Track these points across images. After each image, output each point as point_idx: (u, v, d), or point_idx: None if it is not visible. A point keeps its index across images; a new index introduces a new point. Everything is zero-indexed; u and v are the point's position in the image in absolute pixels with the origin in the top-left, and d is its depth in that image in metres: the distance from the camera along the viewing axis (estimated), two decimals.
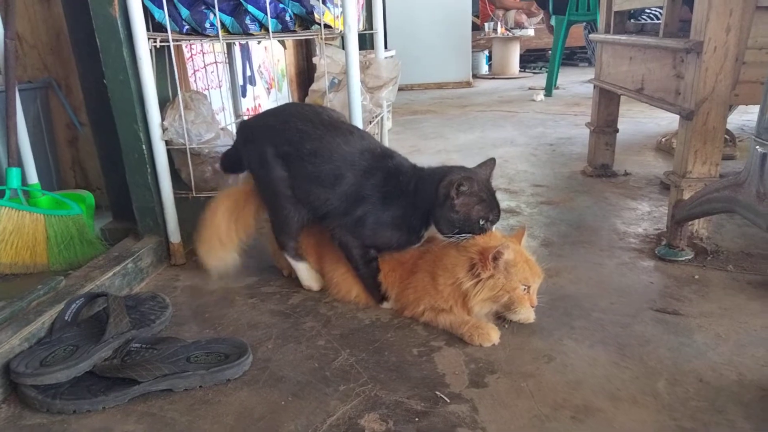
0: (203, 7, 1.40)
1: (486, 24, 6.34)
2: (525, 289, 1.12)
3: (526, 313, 1.13)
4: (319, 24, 1.40)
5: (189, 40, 1.46)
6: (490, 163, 1.24)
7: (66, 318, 1.13)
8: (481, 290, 1.10)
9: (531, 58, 7.16)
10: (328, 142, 1.22)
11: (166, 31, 1.39)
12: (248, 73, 2.78)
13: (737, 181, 1.14)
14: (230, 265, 1.35)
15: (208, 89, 2.19)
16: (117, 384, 0.98)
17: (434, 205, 1.15)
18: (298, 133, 1.24)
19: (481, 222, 1.15)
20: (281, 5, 1.40)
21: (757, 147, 1.07)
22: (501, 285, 1.10)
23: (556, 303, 1.25)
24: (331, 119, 1.28)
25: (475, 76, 5.97)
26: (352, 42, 1.38)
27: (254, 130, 1.33)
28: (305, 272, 1.35)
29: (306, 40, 3.66)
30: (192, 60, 2.11)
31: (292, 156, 1.23)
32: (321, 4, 1.40)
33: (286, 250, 1.33)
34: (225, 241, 1.32)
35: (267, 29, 1.40)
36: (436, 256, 1.19)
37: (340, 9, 1.40)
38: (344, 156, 1.21)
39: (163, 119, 1.44)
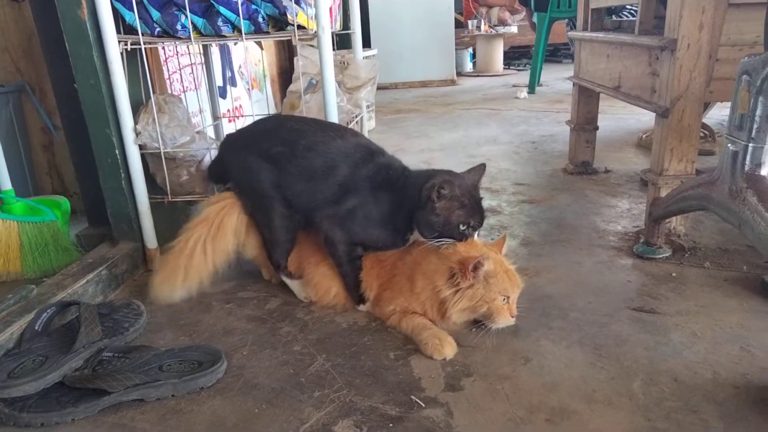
0: (174, 9, 1.37)
1: (470, 21, 6.34)
2: (504, 299, 1.11)
3: (505, 323, 1.11)
4: (293, 25, 1.38)
5: (161, 43, 1.44)
6: (480, 168, 1.23)
7: (36, 328, 1.11)
8: (460, 300, 1.09)
9: (515, 55, 7.18)
10: (322, 137, 1.23)
11: (137, 34, 1.37)
12: (228, 74, 2.75)
13: (711, 179, 1.15)
14: (181, 297, 1.27)
15: (185, 92, 2.16)
16: (87, 395, 0.96)
17: (417, 207, 1.15)
18: (292, 132, 1.25)
19: (462, 227, 1.14)
20: (253, 6, 1.38)
21: (729, 145, 1.07)
22: (480, 296, 1.09)
23: (535, 303, 1.25)
24: (324, 121, 1.32)
25: (459, 73, 5.97)
26: (326, 43, 1.36)
27: (243, 140, 1.32)
28: (300, 287, 1.33)
29: (288, 41, 3.63)
30: (167, 62, 2.08)
31: (286, 155, 1.22)
32: (294, 5, 1.38)
33: (281, 270, 1.32)
34: (190, 275, 1.25)
35: (240, 31, 1.38)
36: (415, 260, 1.19)
37: (314, 10, 1.39)
38: (339, 149, 1.22)
39: (136, 123, 1.42)
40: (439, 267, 1.14)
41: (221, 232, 1.28)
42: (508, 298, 1.11)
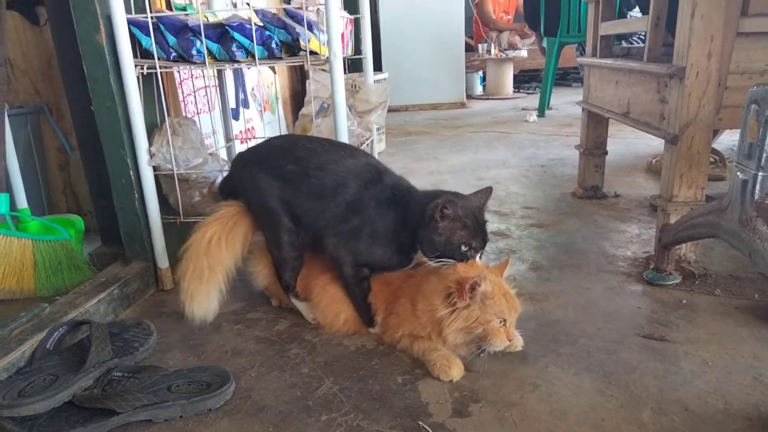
0: (190, 35, 1.41)
1: (480, 45, 6.40)
2: (501, 322, 1.10)
3: (501, 345, 1.10)
4: (305, 51, 1.41)
5: (176, 68, 1.47)
6: (486, 191, 1.24)
7: (48, 346, 1.12)
8: (456, 320, 1.09)
9: (525, 79, 7.22)
10: (334, 156, 1.25)
11: (154, 58, 1.40)
12: (241, 96, 2.79)
13: (720, 207, 1.15)
14: (213, 311, 1.28)
15: (199, 113, 2.20)
16: (96, 415, 0.97)
17: (420, 226, 1.16)
18: (305, 151, 1.27)
19: (464, 248, 1.15)
20: (267, 33, 1.41)
21: (739, 173, 1.07)
22: (476, 316, 1.09)
23: (543, 329, 1.25)
24: (337, 141, 1.35)
25: (469, 96, 6.01)
26: (338, 68, 1.39)
27: (255, 157, 1.33)
28: (309, 309, 1.33)
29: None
30: (182, 85, 2.12)
31: (298, 173, 1.24)
32: (307, 31, 1.41)
33: (291, 291, 1.32)
34: (209, 277, 1.26)
35: (253, 56, 1.41)
36: (418, 282, 1.19)
37: (327, 36, 1.42)
38: (349, 168, 1.23)
39: (150, 145, 1.45)
40: (438, 286, 1.14)
41: (235, 230, 1.30)
42: (505, 321, 1.11)
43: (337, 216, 1.22)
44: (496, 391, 1.04)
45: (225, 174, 1.51)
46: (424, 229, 1.16)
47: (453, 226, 1.15)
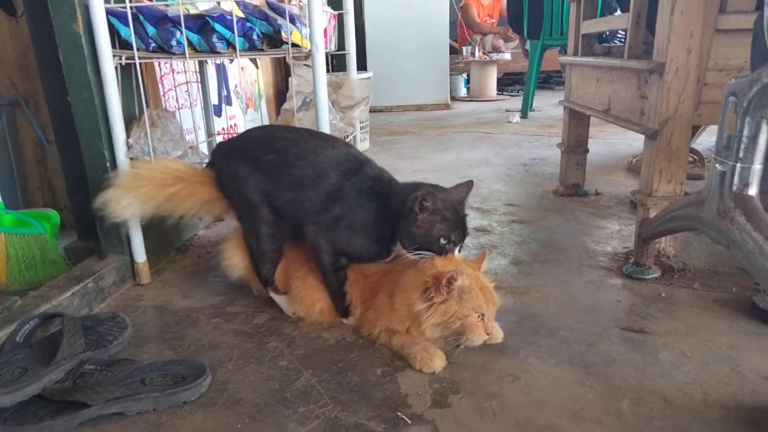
0: (170, 26, 1.39)
1: (464, 48, 6.43)
2: (479, 316, 1.09)
3: (479, 340, 1.09)
4: (287, 43, 1.40)
5: (155, 58, 1.44)
6: (467, 185, 1.24)
7: (17, 339, 1.09)
8: (433, 314, 1.08)
9: (508, 82, 7.27)
10: (314, 146, 1.23)
11: (132, 49, 1.38)
12: (224, 93, 2.77)
13: (699, 199, 1.15)
14: (124, 217, 1.30)
15: (180, 108, 2.17)
16: (66, 408, 0.94)
17: (400, 218, 1.16)
18: (284, 141, 1.25)
19: (442, 241, 1.14)
20: (248, 24, 1.39)
21: (717, 165, 1.08)
22: (453, 311, 1.08)
23: (524, 321, 1.24)
24: (317, 131, 1.34)
25: (453, 98, 6.03)
26: (320, 61, 1.38)
27: (234, 148, 1.31)
28: (287, 302, 1.31)
29: (284, 60, 3.67)
30: (163, 80, 2.09)
31: (277, 164, 1.23)
32: (289, 24, 1.40)
33: (270, 285, 1.31)
34: (146, 196, 1.27)
35: (234, 48, 1.40)
36: (396, 276, 1.18)
37: (309, 29, 1.40)
38: (329, 158, 1.22)
39: (128, 136, 1.42)
40: (415, 281, 1.13)
41: (197, 192, 1.30)
42: (483, 315, 1.10)
43: (317, 205, 1.20)
44: (475, 383, 1.03)
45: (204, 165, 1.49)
46: (404, 221, 1.16)
47: (432, 218, 1.14)
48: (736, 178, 1.04)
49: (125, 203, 1.27)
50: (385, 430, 0.91)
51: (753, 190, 1.04)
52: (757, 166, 1.02)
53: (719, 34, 1.35)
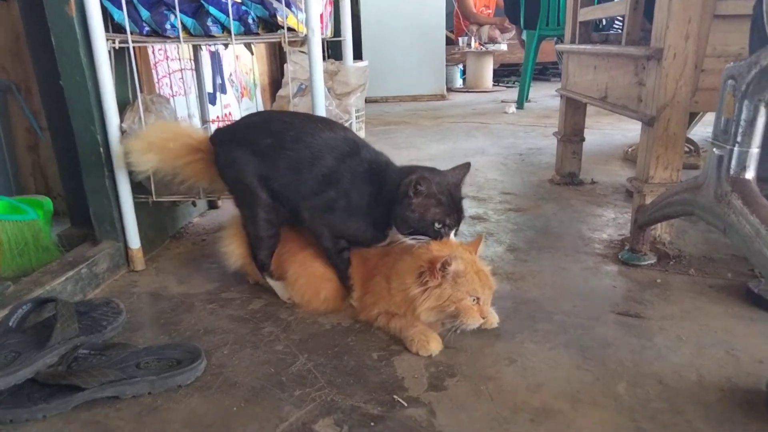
0: (164, 9, 1.37)
1: (460, 39, 6.40)
2: (474, 300, 1.09)
3: (475, 324, 1.09)
4: (283, 27, 1.38)
5: (149, 42, 1.43)
6: (464, 167, 1.22)
7: (10, 324, 1.08)
8: (428, 299, 1.08)
9: (504, 73, 7.25)
10: (311, 129, 1.22)
11: (126, 32, 1.36)
12: (218, 81, 2.75)
13: (696, 184, 1.15)
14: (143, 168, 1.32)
15: (174, 96, 2.15)
16: (60, 391, 0.94)
17: (395, 202, 1.15)
18: (282, 125, 1.24)
19: (437, 226, 1.13)
20: (244, 8, 1.38)
21: (714, 149, 1.08)
22: (447, 295, 1.07)
23: (520, 307, 1.24)
24: (314, 115, 1.33)
25: (449, 89, 6.02)
26: (316, 45, 1.36)
27: (231, 133, 1.31)
28: (283, 288, 1.31)
29: (279, 49, 3.64)
30: (157, 66, 2.07)
31: (274, 147, 1.22)
32: (284, 8, 1.38)
33: (266, 270, 1.30)
34: (161, 150, 1.31)
35: (229, 32, 1.38)
36: (392, 260, 1.18)
37: (305, 14, 1.39)
38: (326, 141, 1.21)
39: (122, 121, 1.41)
40: (411, 265, 1.13)
41: (196, 162, 1.32)
42: (478, 299, 1.10)
43: (313, 189, 1.20)
44: (472, 366, 1.03)
45: None
46: (398, 206, 1.14)
47: (427, 202, 1.13)
48: (733, 162, 1.03)
49: (148, 159, 1.31)
50: (381, 412, 0.90)
51: (750, 174, 1.03)
52: (755, 150, 1.01)
53: (717, 19, 1.35)
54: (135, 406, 0.94)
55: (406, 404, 0.92)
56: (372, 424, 0.88)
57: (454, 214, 1.16)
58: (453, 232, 1.17)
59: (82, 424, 0.90)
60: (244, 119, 1.37)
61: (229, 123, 1.40)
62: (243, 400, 0.95)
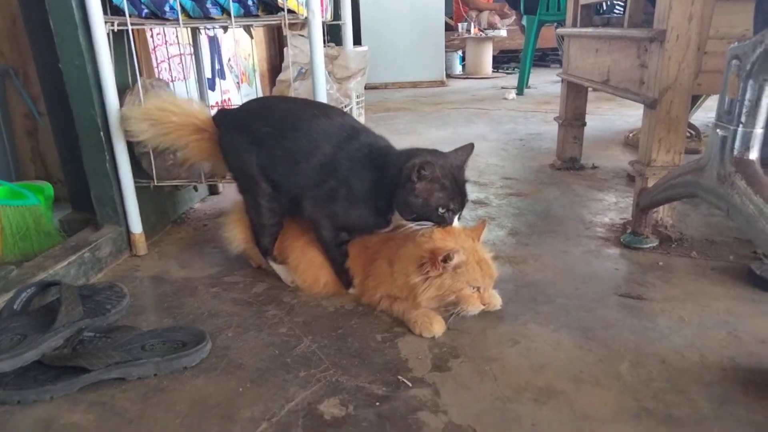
0: None
1: (460, 25, 6.36)
2: (475, 289, 1.09)
3: (475, 310, 1.09)
4: (283, 9, 1.37)
5: (148, 24, 1.42)
6: (467, 148, 1.18)
7: (15, 307, 1.08)
8: (428, 288, 1.08)
9: (504, 59, 7.21)
10: (307, 116, 1.21)
11: (125, 15, 1.35)
12: (217, 66, 2.73)
13: (699, 166, 1.15)
14: (140, 137, 1.33)
15: (173, 81, 2.14)
16: (66, 373, 0.94)
17: (397, 187, 1.12)
18: (279, 113, 1.23)
19: (441, 210, 1.11)
20: None
21: (718, 130, 1.08)
22: (447, 286, 1.07)
23: (522, 289, 1.25)
24: (312, 101, 1.31)
25: (448, 75, 5.99)
26: (316, 28, 1.35)
27: (234, 120, 1.30)
28: (286, 272, 1.31)
29: (278, 34, 3.62)
30: (156, 51, 2.06)
31: (272, 135, 1.21)
32: None
33: (269, 254, 1.30)
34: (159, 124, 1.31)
35: (229, 14, 1.37)
36: (396, 245, 1.18)
37: None
38: (323, 128, 1.19)
39: (121, 105, 1.40)
40: (413, 253, 1.12)
41: (200, 143, 1.32)
42: (479, 287, 1.10)
43: (312, 178, 1.18)
44: (475, 347, 1.04)
45: None
46: (401, 190, 1.11)
47: (431, 187, 1.10)
48: (737, 143, 1.03)
49: (143, 128, 1.31)
50: (386, 392, 0.91)
51: (754, 155, 1.03)
52: (759, 130, 1.01)
53: (721, 1, 1.34)
54: (141, 387, 0.94)
55: (410, 384, 0.93)
56: (377, 403, 0.88)
57: (458, 198, 1.13)
58: (456, 216, 1.17)
59: (89, 405, 0.90)
60: (244, 106, 1.36)
61: (234, 108, 1.39)
62: (248, 381, 0.95)
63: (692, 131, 2.44)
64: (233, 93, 2.91)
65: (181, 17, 1.37)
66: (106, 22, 1.34)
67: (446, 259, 1.06)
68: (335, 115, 1.24)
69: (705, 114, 3.01)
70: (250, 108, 1.33)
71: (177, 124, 1.30)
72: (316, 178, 1.19)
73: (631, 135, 2.64)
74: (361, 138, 1.21)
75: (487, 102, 4.25)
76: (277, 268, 1.31)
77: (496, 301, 1.16)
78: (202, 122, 1.32)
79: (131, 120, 1.32)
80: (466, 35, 6.22)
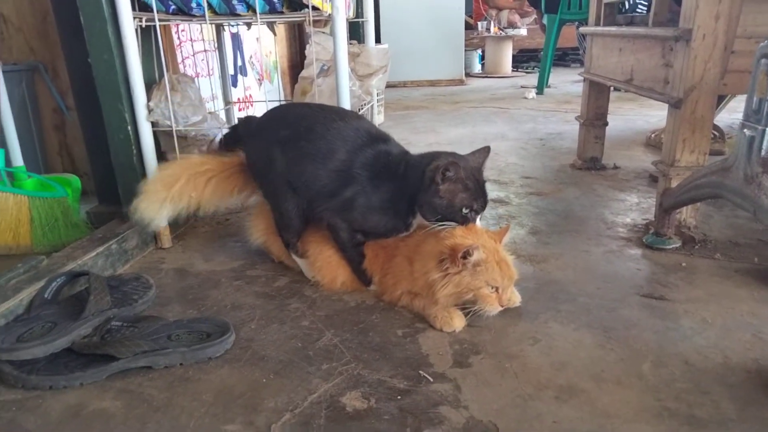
0: None
1: (479, 23, 6.35)
2: (493, 289, 1.10)
3: (492, 311, 1.10)
4: (307, 6, 1.39)
5: (175, 20, 1.44)
6: (484, 151, 1.21)
7: (46, 296, 1.11)
8: (447, 285, 1.08)
9: (524, 58, 7.18)
10: (323, 119, 1.22)
11: (152, 11, 1.37)
12: (239, 63, 2.76)
13: (725, 166, 1.14)
14: (157, 221, 1.34)
15: (197, 77, 2.17)
16: (95, 361, 0.96)
17: (420, 189, 1.13)
18: (297, 117, 1.25)
19: (464, 210, 1.12)
20: None
21: (745, 130, 1.07)
22: (466, 283, 1.08)
23: (543, 288, 1.25)
24: (328, 105, 1.31)
25: (467, 74, 5.98)
26: (340, 24, 1.37)
27: (258, 125, 1.33)
28: (309, 266, 1.32)
29: (299, 32, 3.64)
30: (181, 47, 2.09)
31: (290, 138, 1.22)
32: None
33: (292, 247, 1.31)
34: (175, 193, 1.30)
35: (254, 10, 1.39)
36: (417, 242, 1.18)
37: None
38: (339, 131, 1.20)
39: (149, 100, 1.43)
40: (434, 249, 1.13)
41: (229, 180, 1.34)
42: (497, 288, 1.10)
43: (328, 187, 1.19)
44: (496, 344, 1.04)
45: (225, 131, 1.49)
46: (424, 193, 1.12)
47: (454, 188, 1.12)
48: (765, 143, 1.02)
49: (164, 211, 1.33)
50: (407, 386, 0.92)
51: None
52: None
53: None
54: (168, 376, 0.97)
55: (431, 379, 0.94)
56: (399, 397, 0.89)
57: (481, 198, 1.15)
58: (479, 216, 1.17)
59: (117, 392, 0.93)
60: (269, 113, 1.35)
61: (261, 116, 1.39)
62: (272, 373, 0.97)
63: (716, 132, 2.41)
64: (254, 89, 2.94)
65: (207, 13, 1.39)
66: (134, 18, 1.36)
67: (466, 255, 1.07)
68: (351, 119, 1.24)
69: (729, 115, 2.98)
70: (273, 115, 1.34)
71: (184, 182, 1.31)
72: (333, 186, 1.19)
73: (653, 135, 2.62)
74: (377, 145, 1.21)
75: (506, 101, 4.23)
76: (300, 262, 1.32)
77: (516, 298, 1.16)
78: (211, 169, 1.34)
79: (145, 211, 1.30)
80: (486, 34, 6.20)
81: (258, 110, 2.54)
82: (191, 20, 1.42)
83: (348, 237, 1.22)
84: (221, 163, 1.36)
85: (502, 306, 1.11)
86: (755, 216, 1.03)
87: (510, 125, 3.25)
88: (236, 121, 1.46)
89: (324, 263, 1.27)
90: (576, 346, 1.03)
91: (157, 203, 1.30)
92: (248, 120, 1.39)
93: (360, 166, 1.18)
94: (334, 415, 0.86)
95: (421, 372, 0.96)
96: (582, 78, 2.21)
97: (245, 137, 1.36)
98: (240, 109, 2.56)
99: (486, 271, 1.09)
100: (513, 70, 6.44)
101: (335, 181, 1.18)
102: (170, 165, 1.37)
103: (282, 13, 1.42)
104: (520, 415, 0.85)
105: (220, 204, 1.40)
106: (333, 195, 1.19)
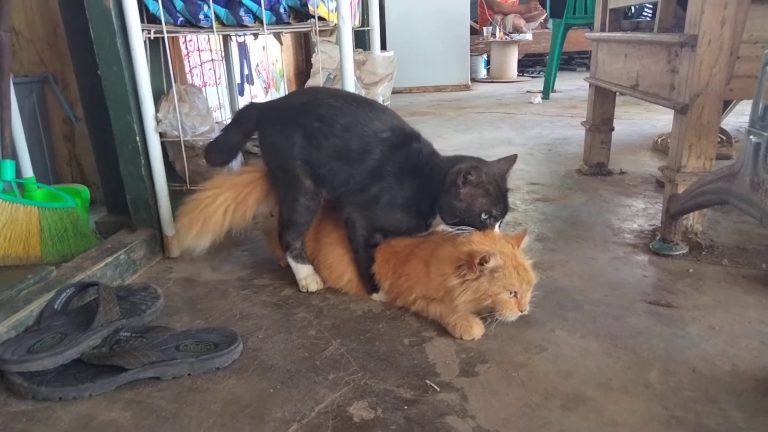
0: None
1: (485, 28, 6.35)
2: (512, 294, 1.10)
3: (511, 316, 1.10)
4: (314, 16, 1.40)
5: (183, 32, 1.46)
6: (510, 159, 1.21)
7: (55, 307, 1.13)
8: (465, 291, 1.09)
9: (529, 63, 7.17)
10: (361, 117, 1.21)
11: (161, 23, 1.39)
12: (246, 71, 2.78)
13: (731, 172, 1.14)
14: (200, 250, 1.35)
15: (205, 86, 2.19)
16: (104, 371, 0.97)
17: (441, 191, 1.14)
18: (331, 109, 1.22)
19: (483, 216, 1.13)
20: None
21: (751, 137, 1.06)
22: (484, 289, 1.08)
23: (549, 295, 1.25)
24: (363, 98, 1.30)
25: (473, 79, 5.98)
26: (346, 34, 1.38)
27: (277, 112, 1.29)
28: (304, 273, 1.32)
29: (305, 40, 3.67)
30: (189, 57, 2.11)
31: (323, 132, 1.21)
32: None
33: (290, 250, 1.31)
34: (211, 229, 1.30)
35: (262, 21, 1.40)
36: (432, 245, 1.19)
37: (335, 3, 1.40)
38: (375, 131, 1.20)
39: (157, 111, 1.44)
40: (451, 254, 1.13)
41: (246, 200, 1.31)
42: (516, 293, 1.10)
43: (360, 183, 1.19)
44: (503, 353, 1.04)
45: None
46: (445, 195, 1.13)
47: (475, 192, 1.12)
48: None
49: (202, 239, 1.34)
50: (414, 396, 0.92)
51: None
52: None
53: (755, 4, 1.32)
54: (175, 386, 0.97)
55: (438, 389, 0.94)
56: (405, 407, 0.90)
57: (501, 205, 1.15)
58: (498, 223, 1.17)
59: (126, 403, 0.93)
60: (290, 98, 1.34)
61: (273, 101, 1.38)
62: (279, 383, 0.97)
63: (723, 136, 2.40)
64: (261, 98, 2.96)
65: (215, 25, 1.41)
66: (143, 30, 1.38)
67: (483, 261, 1.07)
68: (387, 118, 1.23)
69: (736, 119, 2.96)
70: (298, 102, 1.29)
71: (219, 204, 1.31)
72: (364, 182, 1.20)
73: (659, 140, 2.61)
74: (411, 142, 1.22)
75: (512, 106, 4.23)
76: (295, 267, 1.31)
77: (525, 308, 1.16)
78: (235, 190, 1.33)
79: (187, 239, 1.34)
80: (491, 39, 6.20)
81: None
82: (199, 32, 1.43)
83: (365, 235, 1.23)
84: (237, 187, 1.34)
85: (521, 311, 1.11)
86: (762, 223, 1.03)
87: (516, 130, 3.25)
88: (250, 104, 1.43)
89: (335, 260, 1.29)
90: (583, 354, 1.03)
91: (200, 234, 1.32)
92: (263, 109, 1.35)
93: (392, 163, 1.19)
94: (341, 425, 0.86)
95: (427, 381, 0.96)
96: (587, 83, 2.21)
97: (261, 123, 1.32)
98: None
99: (504, 276, 1.09)
100: (518, 75, 6.43)
101: (366, 179, 1.20)
102: (192, 208, 1.33)
103: (289, 23, 1.44)
104: (527, 424, 0.85)
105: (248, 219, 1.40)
106: (362, 190, 1.20)
